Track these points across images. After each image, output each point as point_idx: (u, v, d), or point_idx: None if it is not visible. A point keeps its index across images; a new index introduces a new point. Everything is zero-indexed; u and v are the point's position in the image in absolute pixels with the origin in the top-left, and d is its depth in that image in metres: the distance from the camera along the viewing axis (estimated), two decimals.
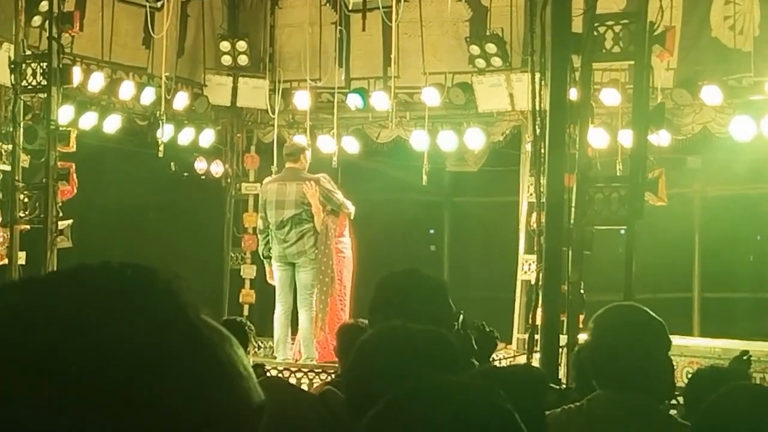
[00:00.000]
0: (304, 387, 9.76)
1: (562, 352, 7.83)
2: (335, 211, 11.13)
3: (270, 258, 11.16)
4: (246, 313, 13.86)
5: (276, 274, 11.08)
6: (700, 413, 3.23)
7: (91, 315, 1.09)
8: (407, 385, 1.82)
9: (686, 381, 6.49)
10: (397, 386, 2.82)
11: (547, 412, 3.55)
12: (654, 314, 3.61)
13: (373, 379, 2.76)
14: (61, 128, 10.05)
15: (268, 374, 8.36)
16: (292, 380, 9.92)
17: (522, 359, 9.62)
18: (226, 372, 1.14)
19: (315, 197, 10.88)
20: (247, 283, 14.02)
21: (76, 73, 10.84)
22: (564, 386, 7.18)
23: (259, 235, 11.55)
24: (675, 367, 5.79)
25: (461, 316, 3.90)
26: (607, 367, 3.58)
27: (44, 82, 9.89)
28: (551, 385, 6.84)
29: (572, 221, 7.96)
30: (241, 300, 14.01)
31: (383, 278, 3.80)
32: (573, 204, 7.99)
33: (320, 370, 9.91)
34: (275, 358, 11.04)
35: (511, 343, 12.21)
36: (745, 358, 7.05)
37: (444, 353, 2.90)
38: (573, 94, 8.06)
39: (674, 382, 3.80)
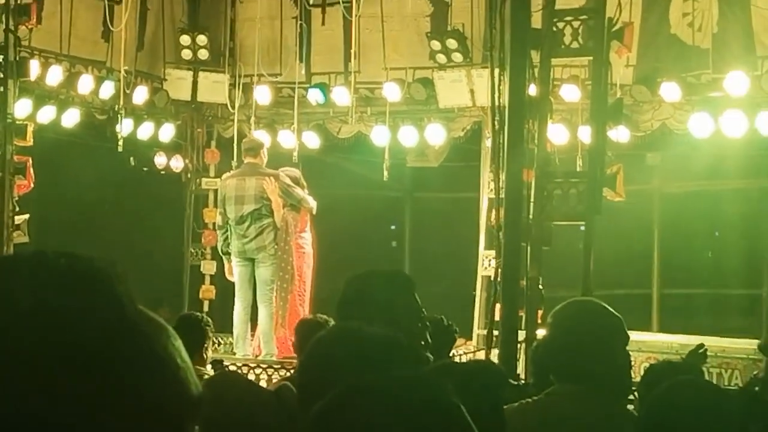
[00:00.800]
0: (263, 383, 9.72)
1: (520, 348, 7.84)
2: (296, 206, 11.09)
3: (229, 254, 11.11)
4: (206, 309, 13.77)
5: (235, 270, 11.03)
6: (645, 407, 3.24)
7: (30, 313, 1.10)
8: (353, 381, 1.81)
9: None
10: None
11: (504, 407, 3.55)
12: (612, 309, 3.62)
13: (325, 377, 2.76)
14: (17, 122, 9.96)
15: (226, 370, 8.32)
16: (251, 376, 9.87)
17: (481, 355, 9.65)
18: (162, 364, 1.14)
19: (275, 193, 10.85)
20: (207, 279, 13.95)
21: (34, 67, 10.76)
22: (522, 382, 7.20)
23: (218, 231, 11.49)
24: (633, 363, 5.82)
25: (423, 314, 3.91)
26: (564, 362, 3.58)
27: (1, 76, 9.80)
28: (510, 381, 6.88)
29: (531, 217, 7.97)
30: (201, 296, 13.94)
31: (348, 282, 3.79)
32: (532, 199, 8.00)
33: (279, 366, 9.89)
34: (235, 354, 10.99)
35: (471, 339, 12.24)
36: (700, 351, 7.10)
37: (398, 354, 2.90)
38: (532, 89, 8.08)
39: (631, 378, 3.82)
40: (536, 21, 7.88)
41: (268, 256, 10.84)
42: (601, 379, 3.52)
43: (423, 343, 3.79)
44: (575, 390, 3.54)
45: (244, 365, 10.01)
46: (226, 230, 11.07)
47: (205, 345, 7.50)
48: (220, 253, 11.40)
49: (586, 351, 3.52)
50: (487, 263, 12.24)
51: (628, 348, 3.66)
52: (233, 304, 11.14)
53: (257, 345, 10.98)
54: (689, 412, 2.95)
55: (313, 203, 11.17)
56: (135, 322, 1.15)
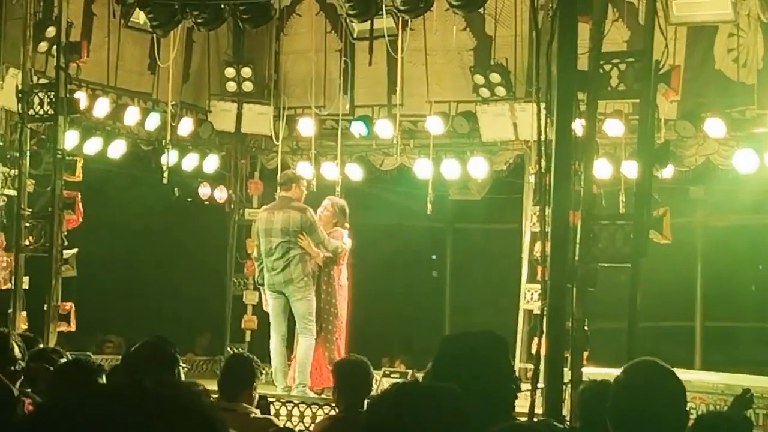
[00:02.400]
0: (307, 420, 9.78)
1: (565, 390, 7.83)
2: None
3: (263, 285, 11.24)
4: (248, 339, 13.87)
5: (270, 302, 11.13)
6: None
7: None
8: None
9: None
10: None
11: None
12: (678, 377, 3.71)
13: None
14: (67, 157, 10.09)
15: (270, 407, 8.38)
16: (295, 413, 9.94)
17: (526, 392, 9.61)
18: None
19: (310, 247, 10.93)
20: (249, 309, 14.01)
21: (82, 99, 10.90)
22: (568, 425, 7.20)
23: (255, 263, 11.61)
24: None
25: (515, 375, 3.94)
26: (629, 422, 3.65)
27: (51, 112, 9.95)
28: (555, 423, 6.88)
29: (576, 258, 7.97)
30: (243, 326, 14.00)
31: (445, 341, 3.82)
32: (578, 240, 8.00)
33: (323, 403, 9.91)
34: (275, 386, 11.04)
35: None
36: (747, 396, 7.05)
37: (452, 411, 2.97)
38: (577, 127, 8.08)
39: None
40: (582, 63, 7.89)
41: (297, 289, 10.88)
42: None
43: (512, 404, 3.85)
44: None
45: (287, 402, 10.05)
46: (262, 262, 11.18)
47: (254, 385, 7.52)
48: (257, 284, 11.50)
49: (656, 414, 3.58)
50: (529, 296, 12.23)
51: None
52: (269, 336, 11.21)
53: (292, 375, 11.03)
54: None
55: (338, 244, 11.09)
56: None
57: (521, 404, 8.85)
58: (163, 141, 12.82)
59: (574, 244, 7.97)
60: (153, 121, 12.84)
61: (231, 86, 13.68)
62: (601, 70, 7.94)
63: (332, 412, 8.81)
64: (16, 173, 10.40)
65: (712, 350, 13.81)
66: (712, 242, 13.90)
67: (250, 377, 6.63)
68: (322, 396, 10.38)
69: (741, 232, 13.76)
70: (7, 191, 10.86)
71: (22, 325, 9.90)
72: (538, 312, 8.86)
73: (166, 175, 12.76)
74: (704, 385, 9.30)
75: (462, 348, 3.73)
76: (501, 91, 12.30)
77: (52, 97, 9.94)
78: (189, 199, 13.84)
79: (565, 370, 8.04)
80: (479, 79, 12.35)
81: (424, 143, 12.94)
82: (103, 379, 5.80)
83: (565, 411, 7.73)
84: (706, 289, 14.03)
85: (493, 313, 13.78)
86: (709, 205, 13.75)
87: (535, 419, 7.09)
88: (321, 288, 11.09)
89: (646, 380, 3.71)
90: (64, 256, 9.96)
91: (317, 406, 9.82)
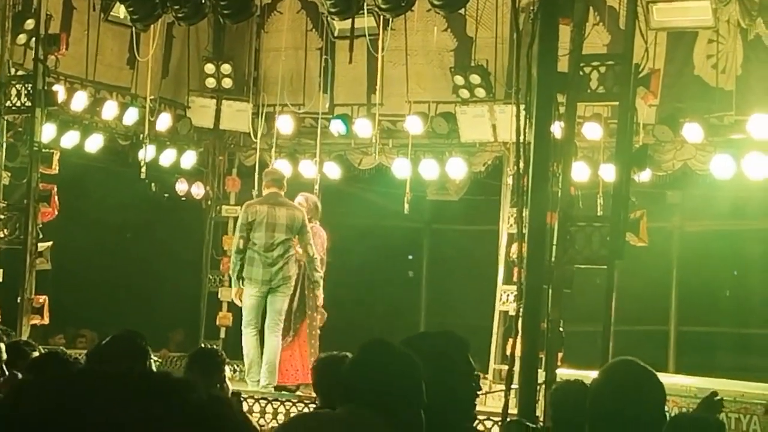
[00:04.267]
0: (281, 417, 9.76)
1: (539, 390, 7.84)
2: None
3: (242, 279, 11.11)
4: (222, 335, 13.82)
5: (250, 299, 11.02)
6: None
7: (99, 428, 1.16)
8: None
9: None
10: None
11: None
12: (658, 378, 3.71)
13: None
14: (44, 150, 10.04)
15: (243, 403, 8.36)
16: (269, 410, 9.91)
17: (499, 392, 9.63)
18: None
19: (296, 247, 11.00)
20: (225, 306, 13.96)
21: (60, 92, 10.84)
22: (541, 424, 7.21)
23: (236, 255, 11.34)
24: None
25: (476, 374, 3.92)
26: (607, 423, 3.66)
27: (28, 104, 9.90)
28: (528, 423, 6.89)
29: (553, 259, 7.98)
30: (218, 322, 13.95)
31: (405, 342, 3.77)
32: (554, 242, 8.01)
33: (297, 400, 9.89)
34: (246, 381, 10.97)
35: (487, 373, 12.23)
36: (715, 399, 7.04)
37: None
38: (556, 129, 8.10)
39: None
40: (562, 65, 7.90)
41: (288, 287, 10.92)
42: None
43: (474, 403, 3.83)
44: None
45: (261, 398, 10.02)
46: (243, 256, 11.09)
47: (222, 377, 7.51)
48: (234, 277, 11.30)
49: (635, 415, 3.60)
50: (505, 298, 12.24)
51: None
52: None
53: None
54: None
55: (313, 252, 11.14)
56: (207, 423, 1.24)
57: (495, 404, 8.91)
58: (141, 136, 12.78)
59: (550, 246, 7.98)
60: (131, 116, 12.79)
61: (210, 82, 13.65)
62: (581, 73, 7.95)
63: (305, 409, 8.81)
64: None
65: (686, 355, 13.86)
66: (688, 247, 13.95)
67: (217, 370, 6.60)
68: (297, 393, 10.36)
69: (717, 238, 13.81)
70: None
71: None
72: (514, 313, 8.88)
73: (143, 170, 12.72)
74: (677, 388, 9.31)
75: (422, 348, 3.71)
76: (481, 92, 12.32)
77: (29, 89, 9.90)
78: (166, 195, 13.78)
79: (540, 371, 8.06)
80: (459, 80, 12.36)
81: (403, 143, 12.94)
82: None
83: (539, 412, 7.73)
84: (681, 293, 14.08)
85: (468, 313, 13.78)
86: (686, 209, 13.80)
87: (509, 419, 7.12)
88: (305, 286, 11.10)
89: (625, 381, 3.70)
90: (39, 249, 9.91)
91: (291, 403, 9.80)
